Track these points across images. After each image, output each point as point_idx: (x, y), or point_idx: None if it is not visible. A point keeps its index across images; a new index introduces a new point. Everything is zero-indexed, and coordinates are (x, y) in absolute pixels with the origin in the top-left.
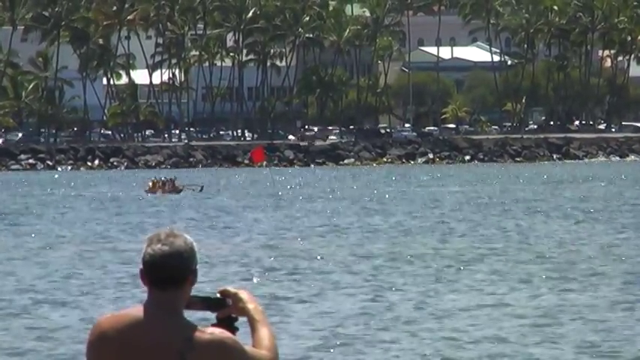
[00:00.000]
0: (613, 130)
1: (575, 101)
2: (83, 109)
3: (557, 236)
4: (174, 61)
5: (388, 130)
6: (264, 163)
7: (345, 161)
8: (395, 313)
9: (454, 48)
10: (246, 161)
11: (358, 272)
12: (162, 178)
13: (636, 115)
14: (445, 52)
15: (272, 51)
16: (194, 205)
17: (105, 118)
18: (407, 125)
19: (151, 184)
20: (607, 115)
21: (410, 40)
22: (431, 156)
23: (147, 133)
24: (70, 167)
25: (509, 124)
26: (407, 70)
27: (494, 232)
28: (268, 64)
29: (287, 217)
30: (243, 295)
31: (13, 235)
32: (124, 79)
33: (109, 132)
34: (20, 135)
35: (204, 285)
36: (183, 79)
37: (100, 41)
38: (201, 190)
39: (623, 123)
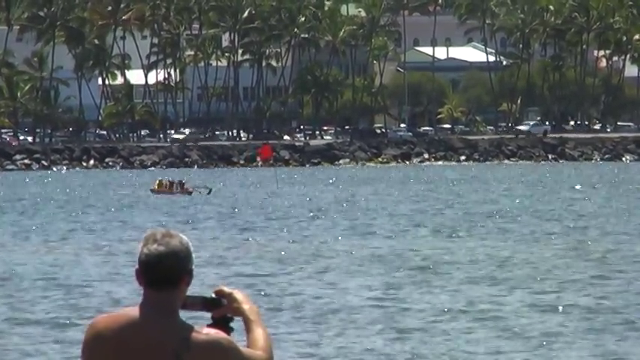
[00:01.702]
0: (608, 130)
1: (571, 101)
2: (78, 109)
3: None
4: (169, 61)
5: (384, 130)
6: (260, 163)
7: (341, 161)
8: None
9: (450, 48)
10: (242, 161)
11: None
12: (170, 179)
13: (632, 116)
14: (441, 52)
15: (267, 51)
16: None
17: (100, 118)
18: (402, 125)
19: (157, 183)
20: (602, 116)
21: (405, 40)
22: (426, 156)
23: (142, 133)
24: (65, 167)
25: (505, 124)
26: (402, 70)
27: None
28: (264, 64)
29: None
30: (239, 295)
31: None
32: (120, 79)
33: (105, 132)
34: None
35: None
36: (178, 79)
37: (96, 41)
38: (209, 193)
39: (619, 123)
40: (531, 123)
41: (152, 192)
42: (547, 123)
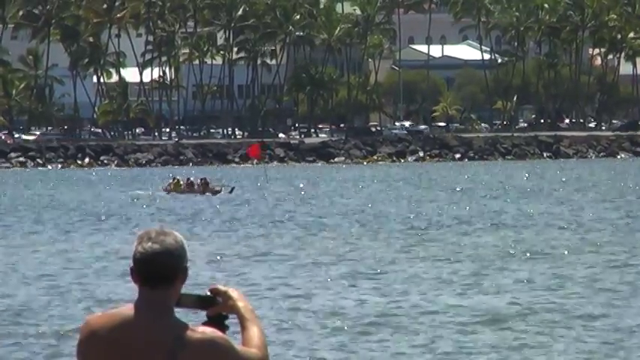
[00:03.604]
0: (603, 128)
1: (566, 99)
2: (73, 107)
3: None
4: (164, 59)
5: (379, 128)
6: (255, 160)
7: (336, 159)
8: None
9: (444, 46)
10: (237, 159)
11: None
12: (190, 178)
13: (626, 114)
14: (436, 50)
15: (262, 49)
16: None
17: (95, 116)
18: (397, 123)
19: (173, 182)
20: (597, 114)
21: (400, 38)
22: (421, 154)
23: (137, 131)
24: (60, 165)
25: (500, 122)
26: (397, 68)
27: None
28: (259, 62)
29: None
30: (234, 293)
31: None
32: (115, 77)
33: (100, 130)
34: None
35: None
36: (173, 77)
37: (91, 39)
38: (231, 192)
39: (614, 121)
40: (407, 124)
41: (166, 192)
42: (542, 121)
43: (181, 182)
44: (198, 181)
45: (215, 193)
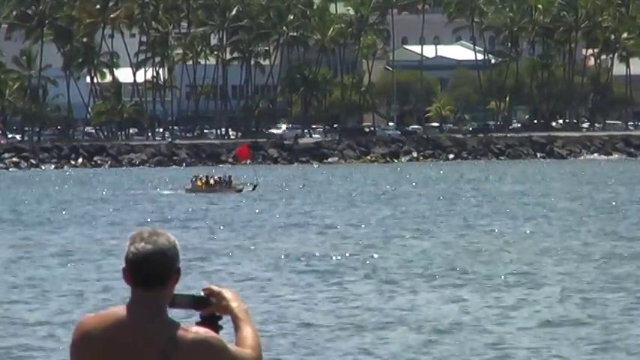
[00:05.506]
0: (597, 126)
1: (559, 100)
2: (67, 107)
3: None
4: (158, 59)
5: (372, 128)
6: (248, 161)
7: (329, 160)
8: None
9: (438, 46)
10: (230, 159)
11: None
12: (216, 177)
13: (620, 114)
14: (429, 51)
15: (256, 49)
16: None
17: (89, 116)
18: (391, 124)
19: (197, 181)
20: (590, 114)
21: (394, 38)
22: (415, 154)
23: (131, 131)
24: (53, 166)
25: (493, 122)
26: (391, 69)
27: None
28: (252, 62)
29: None
30: (227, 293)
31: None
32: (108, 78)
33: (93, 130)
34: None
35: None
36: (167, 78)
37: (84, 39)
38: (253, 189)
39: (607, 121)
40: (283, 127)
41: (189, 191)
42: (535, 121)
43: (203, 180)
44: (226, 178)
45: (238, 191)
